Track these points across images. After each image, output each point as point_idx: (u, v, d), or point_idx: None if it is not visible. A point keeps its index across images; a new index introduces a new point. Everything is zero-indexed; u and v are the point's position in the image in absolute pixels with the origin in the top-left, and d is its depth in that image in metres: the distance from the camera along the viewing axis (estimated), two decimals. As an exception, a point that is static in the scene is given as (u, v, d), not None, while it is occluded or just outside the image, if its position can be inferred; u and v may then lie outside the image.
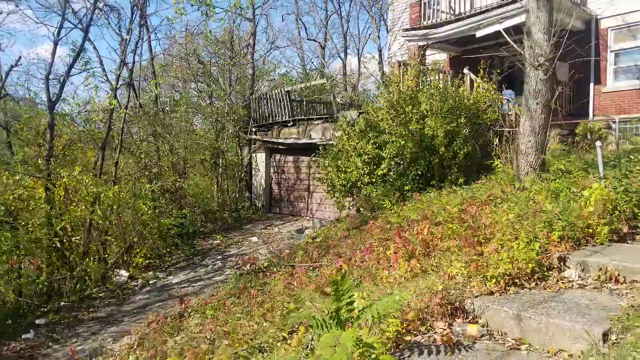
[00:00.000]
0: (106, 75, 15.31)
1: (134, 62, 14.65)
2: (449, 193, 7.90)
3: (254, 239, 12.94)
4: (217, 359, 3.49)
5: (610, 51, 12.72)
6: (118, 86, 14.21)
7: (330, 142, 11.38)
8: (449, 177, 9.11)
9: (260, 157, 17.45)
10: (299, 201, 16.22)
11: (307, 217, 15.29)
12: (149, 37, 17.16)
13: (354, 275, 5.13)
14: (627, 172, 5.62)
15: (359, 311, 2.91)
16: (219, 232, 14.10)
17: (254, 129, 17.32)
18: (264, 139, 16.79)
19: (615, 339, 2.89)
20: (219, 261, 10.96)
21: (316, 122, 14.69)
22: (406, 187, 9.08)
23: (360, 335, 2.73)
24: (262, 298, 5.61)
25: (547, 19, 6.92)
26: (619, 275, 3.96)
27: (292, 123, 15.64)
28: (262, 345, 3.64)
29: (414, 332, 3.34)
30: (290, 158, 16.53)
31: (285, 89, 16.73)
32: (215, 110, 18.02)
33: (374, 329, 3.16)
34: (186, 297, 7.45)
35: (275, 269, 7.57)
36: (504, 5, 11.90)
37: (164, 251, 12.03)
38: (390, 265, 5.09)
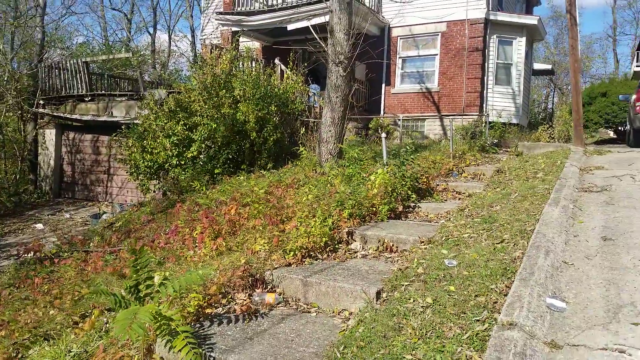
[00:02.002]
0: None
1: None
2: (258, 177, 8.20)
3: (39, 226, 11.32)
4: (-13, 353, 2.99)
5: (399, 57, 14.71)
6: None
7: (136, 121, 10.62)
8: (259, 162, 9.43)
9: (50, 135, 15.27)
10: (97, 185, 14.73)
11: (106, 202, 13.99)
12: None
13: (157, 256, 4.94)
14: (404, 161, 6.64)
15: (159, 285, 2.84)
16: (-8, 219, 11.94)
17: (41, 102, 15.02)
18: (55, 114, 14.70)
19: (386, 297, 3.42)
20: (-9, 252, 9.29)
21: (119, 99, 13.51)
22: (217, 171, 9.08)
23: (160, 310, 2.68)
24: (49, 286, 4.97)
25: (347, 20, 7.67)
26: (393, 245, 4.70)
27: (90, 98, 14.05)
28: (49, 332, 3.24)
29: (215, 305, 3.41)
30: (88, 137, 14.84)
31: (84, 60, 14.95)
32: (-8, 76, 15.10)
33: (176, 304, 3.12)
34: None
35: (66, 254, 6.76)
36: (312, 3, 12.75)
37: None
38: (196, 246, 5.07)
